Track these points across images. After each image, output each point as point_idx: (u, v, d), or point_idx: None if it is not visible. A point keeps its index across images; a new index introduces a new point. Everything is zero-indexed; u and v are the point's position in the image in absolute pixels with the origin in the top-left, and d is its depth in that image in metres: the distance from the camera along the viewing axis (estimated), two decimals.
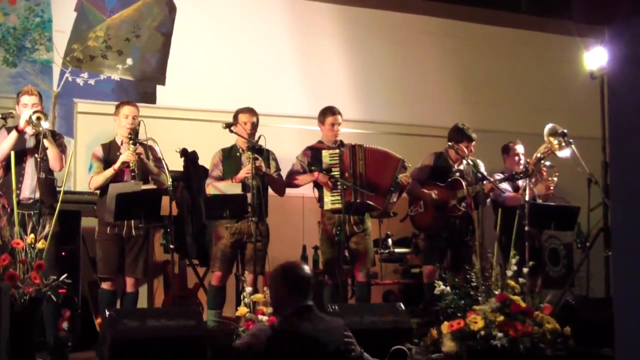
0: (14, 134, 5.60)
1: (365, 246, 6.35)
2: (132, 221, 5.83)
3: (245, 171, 5.99)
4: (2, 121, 5.66)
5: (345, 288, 6.69)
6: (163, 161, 5.82)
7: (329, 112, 6.44)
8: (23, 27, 7.37)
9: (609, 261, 6.88)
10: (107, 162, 5.93)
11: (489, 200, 6.86)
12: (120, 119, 5.99)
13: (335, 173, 6.19)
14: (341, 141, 6.45)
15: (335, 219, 6.24)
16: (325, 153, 6.29)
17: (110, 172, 5.83)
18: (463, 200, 6.55)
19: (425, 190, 6.66)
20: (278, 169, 6.32)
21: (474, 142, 6.73)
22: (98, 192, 6.01)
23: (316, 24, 8.72)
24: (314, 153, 6.38)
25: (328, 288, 6.30)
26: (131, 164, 5.78)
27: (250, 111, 6.22)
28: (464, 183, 6.56)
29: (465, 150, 6.66)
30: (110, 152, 5.99)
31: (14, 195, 5.16)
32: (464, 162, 6.70)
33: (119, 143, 6.03)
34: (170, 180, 5.74)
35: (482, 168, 6.76)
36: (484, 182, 6.55)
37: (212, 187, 6.10)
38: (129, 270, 5.90)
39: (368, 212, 6.35)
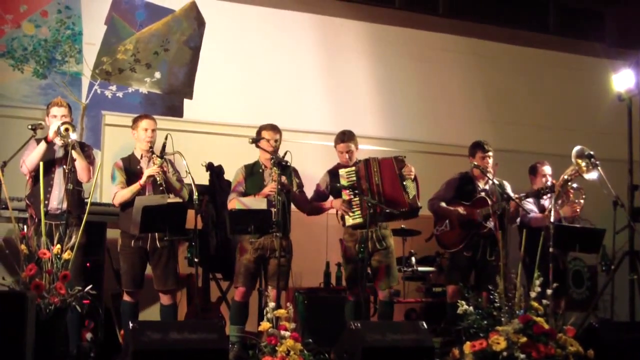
0: (42, 145, 5.66)
1: (387, 264, 6.31)
2: (157, 233, 5.87)
3: (270, 188, 6.00)
4: (31, 132, 5.70)
5: (368, 305, 6.68)
6: (189, 175, 5.84)
7: (338, 139, 6.44)
8: (54, 40, 7.48)
9: (634, 285, 6.83)
10: (128, 174, 5.96)
11: (518, 219, 6.84)
12: (139, 133, 6.02)
13: (356, 191, 6.19)
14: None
15: (357, 235, 6.23)
16: (342, 172, 6.30)
17: (136, 187, 5.86)
18: (489, 218, 6.53)
19: (452, 208, 6.65)
20: (301, 185, 6.32)
21: (489, 153, 6.71)
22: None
23: (342, 41, 8.76)
24: (332, 174, 6.41)
25: (349, 305, 6.29)
26: (158, 179, 5.81)
27: (274, 128, 6.22)
28: (489, 201, 6.54)
29: (482, 161, 6.65)
30: (130, 165, 6.02)
31: (42, 206, 5.20)
32: (490, 182, 6.69)
33: (139, 157, 6.06)
34: (197, 194, 5.76)
35: (509, 189, 6.73)
36: (510, 201, 6.52)
37: (237, 202, 6.09)
38: (160, 283, 5.92)
39: (393, 219, 6.33)
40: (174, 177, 6.01)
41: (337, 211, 6.36)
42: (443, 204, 6.72)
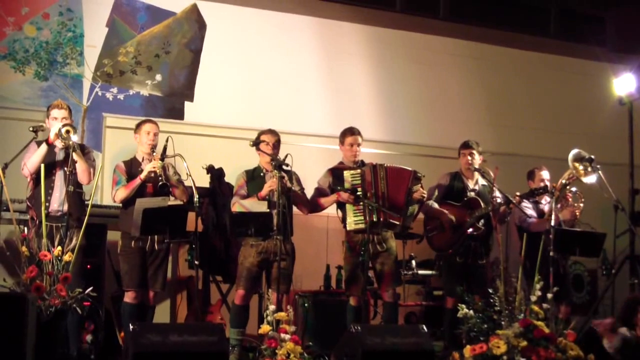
0: (43, 147, 5.67)
1: (390, 266, 6.31)
2: (156, 236, 5.88)
3: (269, 185, 5.99)
4: (32, 134, 5.71)
5: (368, 309, 6.67)
6: (190, 177, 5.85)
7: (348, 132, 6.46)
8: (55, 42, 7.48)
9: (634, 289, 6.83)
10: (130, 176, 5.99)
11: (508, 218, 6.85)
12: (141, 136, 6.07)
13: (359, 193, 6.17)
14: (362, 161, 6.44)
15: (358, 237, 6.23)
16: (347, 174, 6.28)
17: (136, 181, 5.89)
18: (480, 219, 6.53)
19: (445, 211, 6.65)
20: (301, 188, 6.32)
21: (471, 150, 6.75)
22: (121, 204, 6.04)
23: (342, 44, 8.77)
24: (335, 174, 6.38)
25: (350, 309, 6.27)
26: (158, 172, 5.83)
27: (272, 132, 6.24)
28: (481, 202, 6.55)
29: (464, 158, 6.71)
30: (132, 168, 6.05)
31: (43, 208, 5.21)
32: (480, 181, 6.70)
33: (140, 160, 6.09)
34: (197, 196, 5.76)
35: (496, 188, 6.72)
36: (505, 203, 6.53)
37: (238, 205, 6.09)
38: (149, 283, 5.96)
39: (390, 229, 6.32)
40: (174, 177, 6.03)
41: (337, 211, 6.34)
42: (435, 205, 6.71)
